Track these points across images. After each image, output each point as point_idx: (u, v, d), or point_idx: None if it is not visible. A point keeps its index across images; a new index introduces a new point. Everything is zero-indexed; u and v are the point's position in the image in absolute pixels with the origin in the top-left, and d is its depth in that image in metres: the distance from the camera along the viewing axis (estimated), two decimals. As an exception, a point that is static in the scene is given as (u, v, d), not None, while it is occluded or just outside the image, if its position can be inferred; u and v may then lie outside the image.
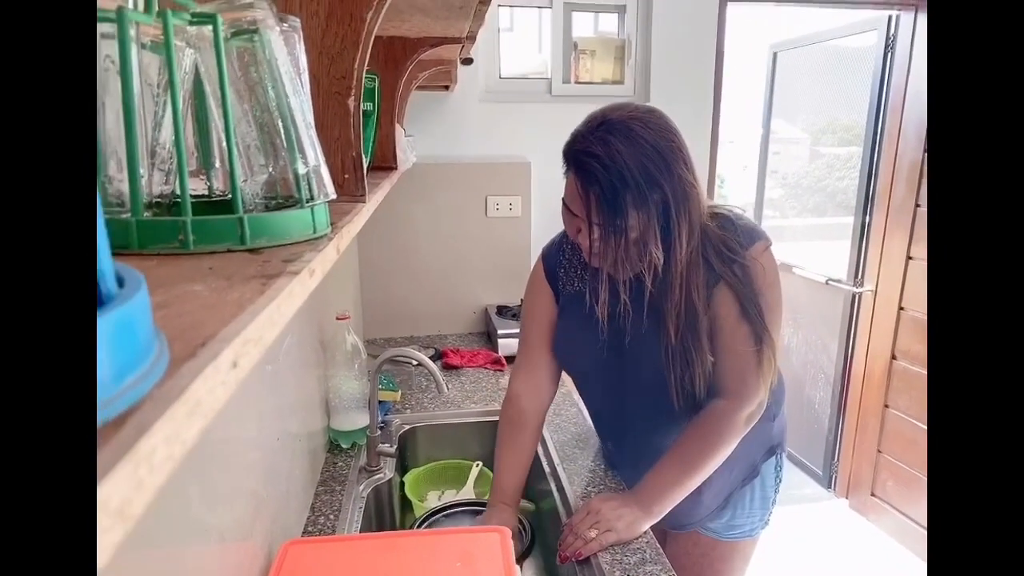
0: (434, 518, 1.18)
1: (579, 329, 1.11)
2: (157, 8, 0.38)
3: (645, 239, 0.92)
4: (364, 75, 0.67)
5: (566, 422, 1.45)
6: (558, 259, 1.15)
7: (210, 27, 0.38)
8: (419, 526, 1.14)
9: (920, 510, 2.39)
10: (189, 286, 0.30)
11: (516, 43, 2.29)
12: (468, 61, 1.79)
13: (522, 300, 1.14)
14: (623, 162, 0.88)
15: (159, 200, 0.44)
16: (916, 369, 2.37)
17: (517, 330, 1.92)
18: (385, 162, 1.23)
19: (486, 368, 1.83)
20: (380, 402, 1.42)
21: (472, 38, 1.27)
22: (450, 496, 1.34)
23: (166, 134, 0.42)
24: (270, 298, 0.28)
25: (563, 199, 0.99)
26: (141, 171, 0.40)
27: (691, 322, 0.96)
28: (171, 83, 0.37)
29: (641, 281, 0.97)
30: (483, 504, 1.17)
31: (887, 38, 2.42)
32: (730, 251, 0.96)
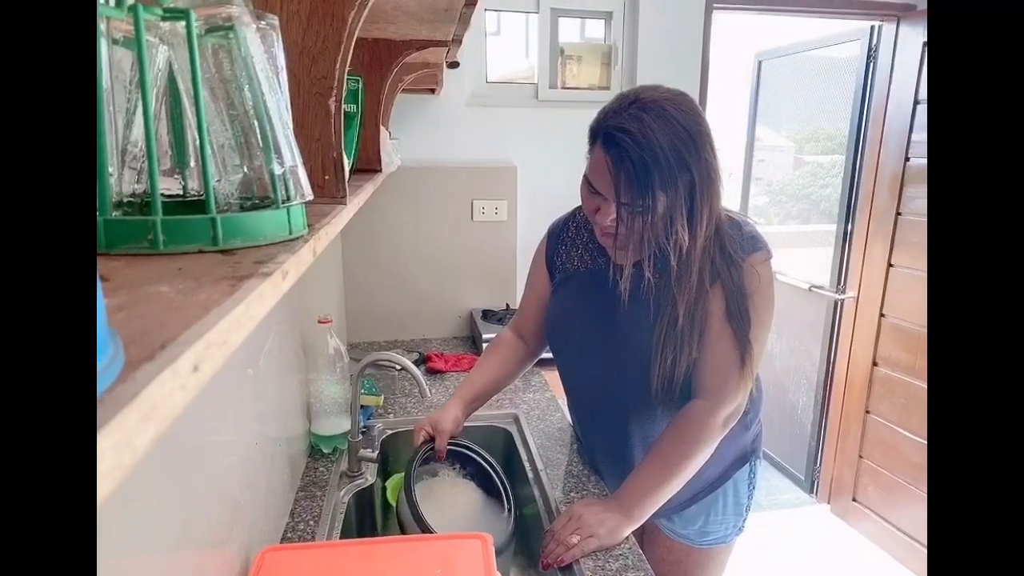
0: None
1: (571, 305, 1.15)
2: (129, 3, 0.37)
3: (671, 220, 0.92)
4: (346, 76, 0.66)
5: (549, 427, 1.45)
6: (561, 237, 1.19)
7: (183, 23, 0.37)
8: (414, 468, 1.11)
9: (901, 515, 2.42)
10: (155, 287, 0.29)
11: (503, 48, 2.29)
12: (454, 65, 1.79)
13: (508, 304, 1.17)
14: (656, 140, 0.88)
15: (131, 199, 0.43)
16: (897, 375, 2.40)
17: (502, 334, 1.93)
18: (369, 164, 1.23)
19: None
20: (362, 407, 1.41)
21: (458, 41, 1.27)
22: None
23: (138, 132, 0.41)
24: (238, 300, 0.28)
25: (585, 175, 0.99)
26: (110, 169, 0.39)
27: (694, 306, 0.97)
28: (142, 80, 0.36)
29: (655, 260, 0.97)
30: (463, 447, 1.20)
31: (869, 48, 2.45)
32: (732, 253, 0.97)
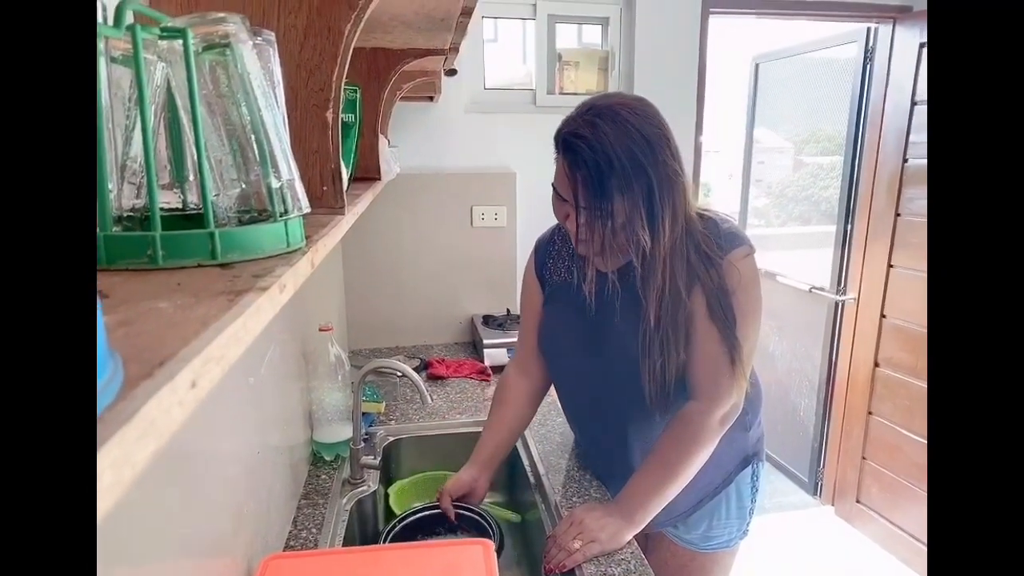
0: (409, 520, 1.17)
1: (562, 316, 1.15)
2: (127, 22, 0.38)
3: (631, 223, 0.93)
4: (344, 87, 0.67)
5: (551, 432, 1.45)
6: (548, 249, 1.19)
7: (180, 41, 0.38)
8: (389, 535, 1.12)
9: (905, 517, 2.41)
10: (154, 303, 0.30)
11: (500, 54, 2.30)
12: (452, 72, 1.80)
13: (509, 309, 1.17)
14: (609, 145, 0.89)
15: (131, 214, 0.44)
16: (899, 376, 2.40)
17: (503, 340, 1.94)
18: (368, 173, 1.23)
19: (472, 378, 1.83)
20: (364, 414, 1.41)
21: (455, 49, 1.28)
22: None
23: (137, 148, 0.42)
24: (235, 315, 0.28)
25: (552, 183, 1.00)
26: (109, 185, 0.39)
27: (672, 309, 0.97)
28: (140, 97, 0.37)
29: (628, 266, 0.98)
30: (462, 506, 1.18)
31: (866, 50, 2.46)
32: (709, 252, 0.98)
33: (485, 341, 1.94)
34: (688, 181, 0.97)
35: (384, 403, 1.60)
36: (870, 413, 2.54)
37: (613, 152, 0.89)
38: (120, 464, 0.17)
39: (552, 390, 1.29)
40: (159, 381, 0.20)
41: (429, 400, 1.22)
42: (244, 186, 0.43)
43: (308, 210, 0.47)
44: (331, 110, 0.63)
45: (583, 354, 1.10)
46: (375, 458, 1.30)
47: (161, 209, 0.41)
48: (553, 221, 1.25)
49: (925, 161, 2.26)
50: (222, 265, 0.39)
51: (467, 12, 0.98)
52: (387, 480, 1.39)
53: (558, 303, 1.16)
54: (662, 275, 0.96)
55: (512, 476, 1.45)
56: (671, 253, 0.96)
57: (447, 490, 1.14)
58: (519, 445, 1.42)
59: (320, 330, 1.30)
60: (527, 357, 1.24)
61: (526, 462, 1.35)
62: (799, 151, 3.30)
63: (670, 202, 0.93)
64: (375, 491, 1.26)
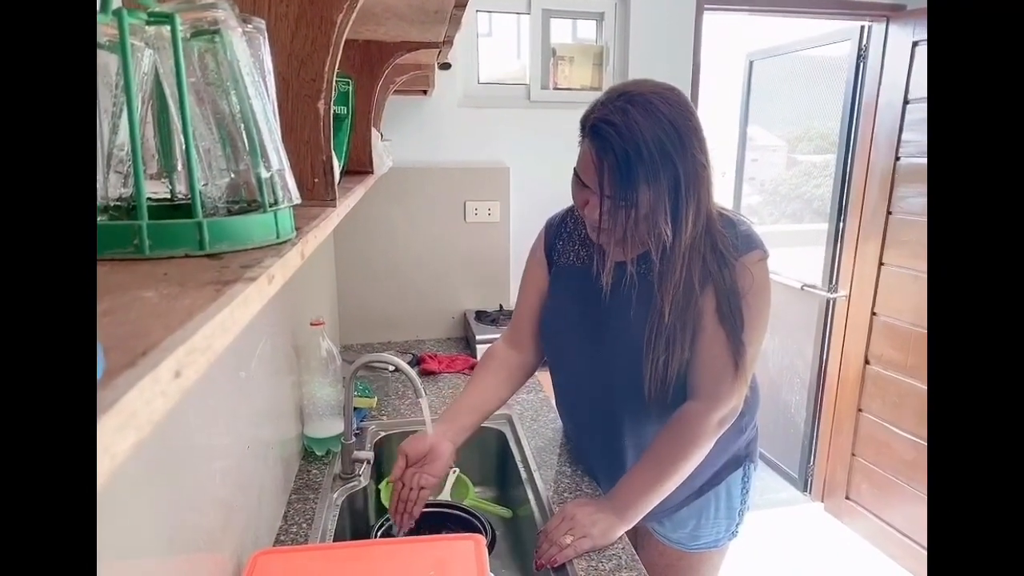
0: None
1: (566, 301, 1.13)
2: (114, 7, 0.37)
3: (654, 214, 0.91)
4: (337, 78, 0.66)
5: (543, 428, 1.45)
6: (559, 231, 1.17)
7: (168, 27, 0.37)
8: (380, 530, 1.12)
9: (894, 513, 2.43)
10: (139, 293, 0.29)
11: (495, 49, 2.29)
12: (446, 66, 1.79)
13: (502, 305, 1.16)
14: (640, 133, 0.87)
15: (118, 203, 0.43)
16: (889, 373, 2.41)
17: (495, 335, 1.93)
18: (361, 166, 1.22)
19: (464, 374, 1.82)
20: (355, 409, 1.41)
21: (449, 43, 1.27)
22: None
23: (124, 136, 0.41)
24: (222, 305, 0.28)
25: (575, 169, 0.99)
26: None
27: (684, 305, 0.96)
28: (127, 84, 0.36)
29: (643, 257, 0.97)
30: (452, 506, 1.17)
31: (859, 48, 2.47)
32: (724, 253, 0.96)
33: (478, 337, 1.94)
34: (713, 176, 0.96)
35: (376, 398, 1.59)
36: (860, 410, 2.55)
37: (643, 141, 0.87)
38: (99, 454, 0.16)
39: (537, 379, 1.27)
40: (141, 370, 0.20)
41: (423, 393, 1.21)
42: (233, 176, 0.42)
43: (298, 201, 0.46)
44: (323, 101, 0.62)
45: (585, 341, 1.09)
46: (366, 453, 1.29)
47: (149, 199, 0.40)
48: (544, 217, 1.25)
49: (917, 159, 2.27)
50: (210, 255, 0.38)
51: (461, 4, 0.97)
52: (378, 475, 1.39)
53: (563, 287, 1.14)
54: (680, 269, 0.95)
55: (503, 471, 1.45)
56: (690, 248, 0.94)
57: (404, 450, 1.06)
58: (511, 439, 1.42)
59: (311, 324, 1.29)
60: (520, 332, 1.21)
61: (517, 457, 1.35)
62: (792, 149, 3.31)
63: (695, 196, 0.92)
64: (366, 486, 1.26)
